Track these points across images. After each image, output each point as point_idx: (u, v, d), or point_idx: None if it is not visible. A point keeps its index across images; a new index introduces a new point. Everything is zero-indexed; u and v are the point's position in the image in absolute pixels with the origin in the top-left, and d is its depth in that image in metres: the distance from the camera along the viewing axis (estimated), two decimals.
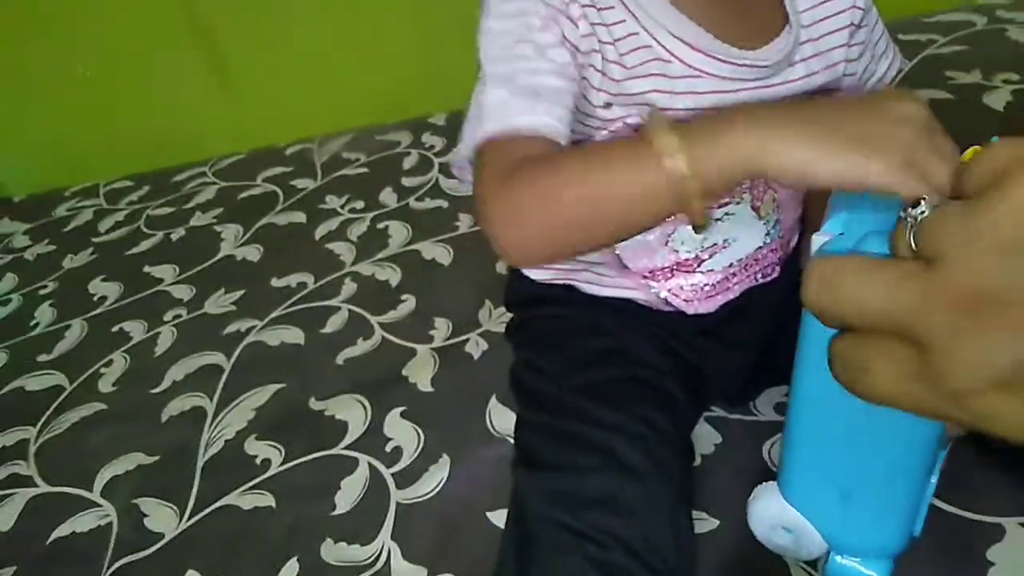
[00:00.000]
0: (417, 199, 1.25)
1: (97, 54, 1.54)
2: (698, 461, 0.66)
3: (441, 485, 0.72)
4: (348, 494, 0.74)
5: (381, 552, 0.67)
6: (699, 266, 0.57)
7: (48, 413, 0.98)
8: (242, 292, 1.13)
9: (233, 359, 0.98)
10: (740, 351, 0.63)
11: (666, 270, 0.58)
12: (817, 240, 0.31)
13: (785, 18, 0.52)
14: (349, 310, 1.02)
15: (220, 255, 1.26)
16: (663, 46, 0.49)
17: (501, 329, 0.77)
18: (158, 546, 0.75)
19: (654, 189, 0.39)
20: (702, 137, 0.39)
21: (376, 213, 1.24)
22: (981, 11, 1.32)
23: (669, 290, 0.59)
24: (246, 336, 1.02)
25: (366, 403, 0.85)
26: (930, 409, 0.24)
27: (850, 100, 0.46)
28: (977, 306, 0.21)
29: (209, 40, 1.52)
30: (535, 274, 0.64)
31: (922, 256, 0.24)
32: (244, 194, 1.45)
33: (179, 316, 1.11)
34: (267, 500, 0.76)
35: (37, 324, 1.19)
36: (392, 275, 1.07)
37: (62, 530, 0.80)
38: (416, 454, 0.76)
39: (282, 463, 0.80)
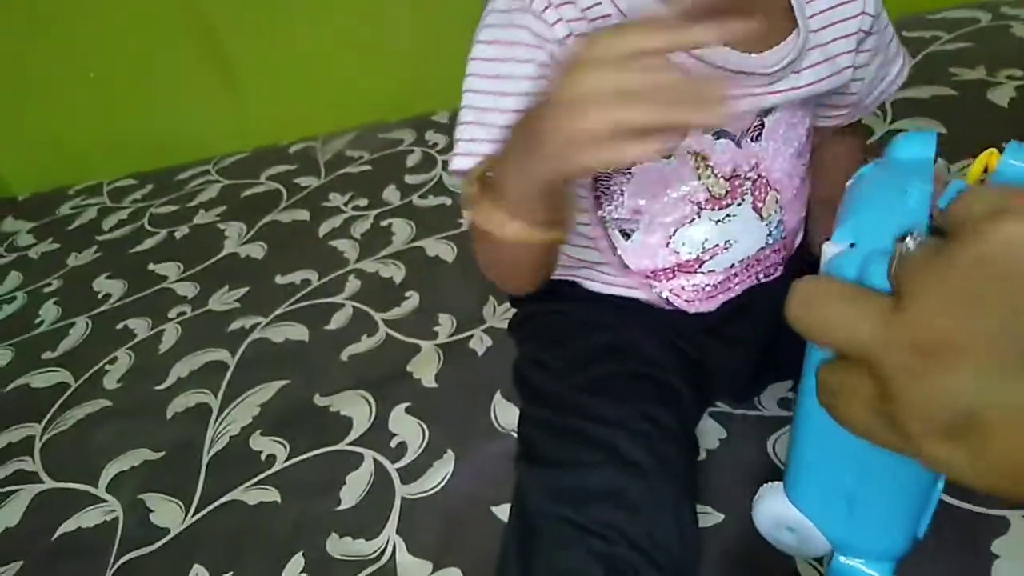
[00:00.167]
0: (420, 196, 1.25)
1: (100, 53, 1.55)
2: (703, 456, 0.66)
3: (446, 480, 0.72)
4: (353, 489, 0.74)
5: (386, 546, 0.68)
6: (700, 267, 0.57)
7: (53, 410, 0.98)
8: (246, 289, 1.13)
9: (238, 356, 0.99)
10: (742, 348, 0.63)
11: (667, 271, 0.58)
12: (827, 251, 0.31)
13: (793, 23, 0.52)
14: (353, 307, 1.02)
15: (224, 253, 1.26)
16: None
17: (505, 325, 0.78)
18: (163, 541, 0.75)
19: (500, 239, 0.44)
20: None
21: (380, 210, 1.24)
22: (986, 7, 1.31)
23: (670, 290, 0.59)
24: (250, 333, 1.02)
25: (371, 399, 0.85)
26: (890, 445, 0.24)
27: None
28: (934, 350, 0.21)
29: (212, 39, 1.52)
30: None
31: (896, 291, 0.24)
32: (248, 192, 1.46)
33: (183, 313, 1.12)
34: (272, 495, 0.76)
35: (42, 322, 1.20)
36: (396, 272, 1.07)
37: (68, 526, 0.80)
38: (421, 449, 0.76)
39: (287, 459, 0.80)
